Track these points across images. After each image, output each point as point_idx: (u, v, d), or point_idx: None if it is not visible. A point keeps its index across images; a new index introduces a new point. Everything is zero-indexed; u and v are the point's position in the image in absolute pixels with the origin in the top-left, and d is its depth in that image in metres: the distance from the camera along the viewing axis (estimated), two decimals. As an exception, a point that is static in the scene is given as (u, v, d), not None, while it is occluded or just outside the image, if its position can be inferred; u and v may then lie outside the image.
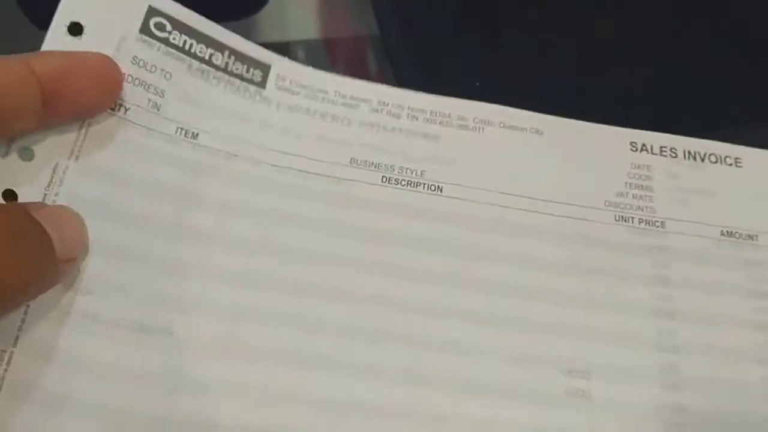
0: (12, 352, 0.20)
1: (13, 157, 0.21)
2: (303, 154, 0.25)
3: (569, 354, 0.22)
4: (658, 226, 0.25)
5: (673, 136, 0.26)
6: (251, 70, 0.25)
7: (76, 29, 0.22)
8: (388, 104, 0.26)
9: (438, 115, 0.26)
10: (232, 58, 0.25)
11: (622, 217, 0.25)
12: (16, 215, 0.18)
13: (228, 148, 0.24)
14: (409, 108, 0.26)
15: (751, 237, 0.25)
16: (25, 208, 0.19)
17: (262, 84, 0.25)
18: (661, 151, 0.26)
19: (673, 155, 0.26)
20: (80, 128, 0.22)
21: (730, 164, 0.26)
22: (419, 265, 0.23)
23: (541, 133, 0.26)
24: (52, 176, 0.21)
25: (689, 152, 0.26)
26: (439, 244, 0.24)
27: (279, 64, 0.26)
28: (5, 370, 0.20)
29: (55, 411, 0.20)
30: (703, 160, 0.26)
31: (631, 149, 0.26)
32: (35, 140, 0.21)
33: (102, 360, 0.20)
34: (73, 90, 0.21)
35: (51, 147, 0.21)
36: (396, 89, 0.26)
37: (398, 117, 0.26)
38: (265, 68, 0.26)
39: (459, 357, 0.22)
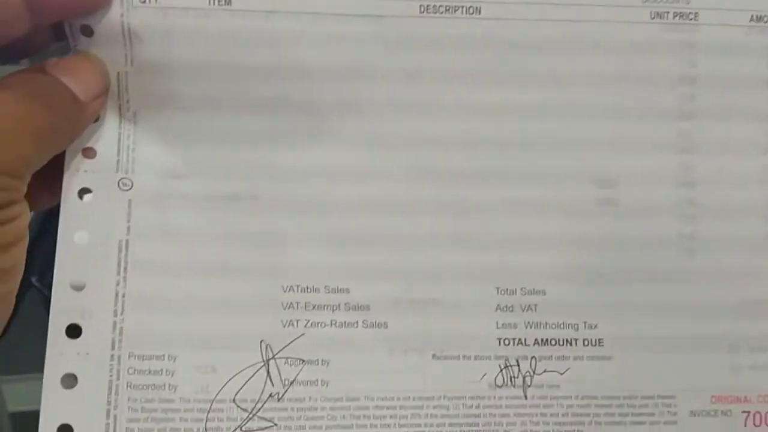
0: (127, 240, 0.24)
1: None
2: None
3: (598, 165, 0.25)
4: (691, 19, 0.25)
5: None
6: None
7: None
8: None
9: None
10: None
11: (658, 13, 0.26)
12: (27, 78, 0.22)
13: (263, 6, 0.24)
14: None
15: None
16: (39, 68, 0.22)
17: None
18: None
19: None
20: (123, 34, 0.23)
21: None
22: (458, 97, 0.25)
23: None
24: (118, 84, 0.24)
25: None
26: (476, 74, 0.25)
27: None
28: (125, 254, 0.24)
29: (174, 277, 0.24)
30: None
31: None
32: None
33: (202, 227, 0.24)
34: None
35: (108, 59, 0.24)
36: None
37: None
38: None
39: (493, 182, 0.25)
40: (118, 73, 0.24)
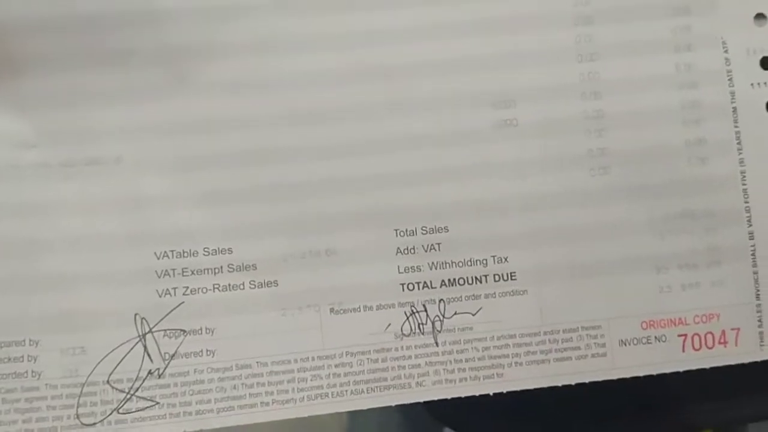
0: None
1: None
2: None
3: (491, 85, 0.23)
4: None
5: None
6: None
7: None
8: None
9: None
10: None
11: None
12: None
13: None
14: None
15: None
16: None
17: None
18: None
19: None
20: None
21: None
22: (330, 26, 0.23)
23: None
24: None
25: None
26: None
27: None
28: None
29: (34, 255, 0.21)
30: None
31: None
32: None
33: (62, 198, 0.22)
34: None
35: None
36: None
37: None
38: None
39: (378, 116, 0.23)
40: None
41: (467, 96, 0.23)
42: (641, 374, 0.22)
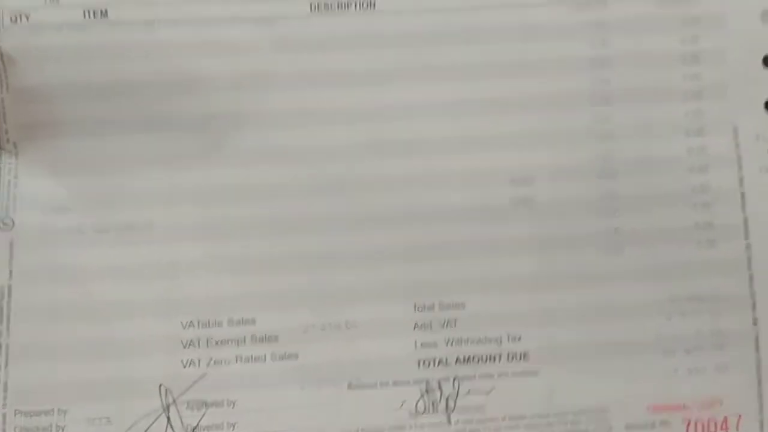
0: (10, 286, 0.22)
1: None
2: None
3: (510, 162, 0.23)
4: None
5: None
6: None
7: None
8: None
9: None
10: None
11: None
12: None
13: (143, 15, 0.23)
14: None
15: None
16: None
17: None
18: None
19: None
20: None
21: None
22: (359, 99, 0.23)
23: None
24: None
25: None
26: (375, 72, 0.23)
27: None
28: (8, 301, 0.22)
29: (64, 322, 0.22)
30: None
31: None
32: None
33: (94, 263, 0.22)
34: None
35: None
36: None
37: None
38: None
39: (402, 189, 0.23)
40: None
41: (486, 172, 0.23)
42: (645, 458, 0.23)
